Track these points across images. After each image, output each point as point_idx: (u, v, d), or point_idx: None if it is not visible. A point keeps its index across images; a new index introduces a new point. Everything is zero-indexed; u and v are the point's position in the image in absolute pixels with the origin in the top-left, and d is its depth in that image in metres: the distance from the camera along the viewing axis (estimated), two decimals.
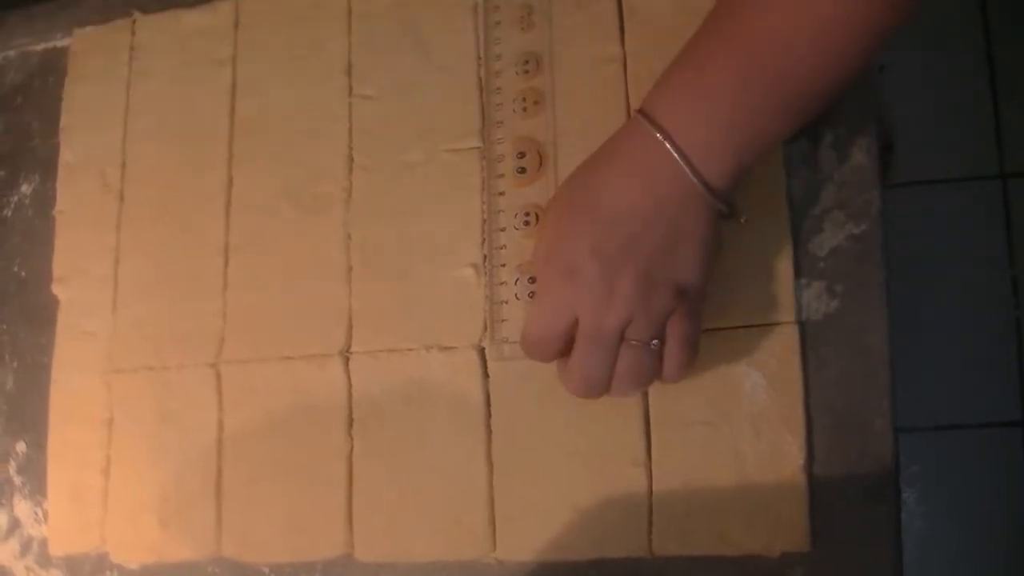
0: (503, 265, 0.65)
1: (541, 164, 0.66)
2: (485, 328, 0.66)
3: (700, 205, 0.53)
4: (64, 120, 0.81)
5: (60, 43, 0.84)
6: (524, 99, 0.68)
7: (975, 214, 1.49)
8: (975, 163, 1.50)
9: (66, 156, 0.80)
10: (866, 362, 0.61)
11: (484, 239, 0.68)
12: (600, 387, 0.56)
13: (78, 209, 0.79)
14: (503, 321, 0.64)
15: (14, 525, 0.76)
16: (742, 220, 0.56)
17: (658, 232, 0.53)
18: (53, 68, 0.84)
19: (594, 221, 0.54)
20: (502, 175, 0.67)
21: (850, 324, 0.61)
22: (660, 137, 0.52)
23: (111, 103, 0.80)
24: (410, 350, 0.68)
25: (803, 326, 0.62)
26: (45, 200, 0.81)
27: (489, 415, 0.66)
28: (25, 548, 0.76)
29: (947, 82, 1.53)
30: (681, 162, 0.52)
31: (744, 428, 0.61)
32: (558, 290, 0.55)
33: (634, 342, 0.55)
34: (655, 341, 0.55)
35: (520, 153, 0.66)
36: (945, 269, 1.46)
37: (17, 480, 0.77)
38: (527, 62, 0.68)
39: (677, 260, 0.54)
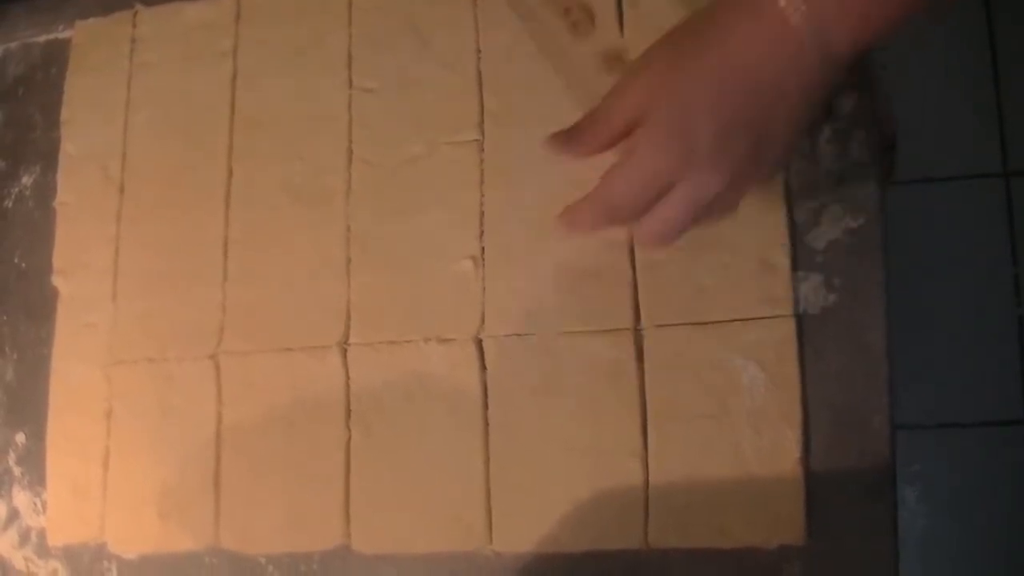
0: None
1: None
2: (483, 321, 0.67)
3: (816, 76, 0.51)
4: (65, 112, 0.81)
5: (62, 35, 0.84)
6: None
7: (978, 212, 1.49)
8: (978, 161, 1.50)
9: (67, 148, 0.80)
10: (864, 357, 0.61)
11: (483, 231, 0.68)
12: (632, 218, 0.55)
13: (79, 201, 0.79)
14: None
15: (13, 515, 0.76)
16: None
17: (772, 99, 0.51)
18: (55, 60, 0.84)
19: (710, 81, 0.52)
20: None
21: (848, 318, 0.62)
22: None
23: (112, 95, 0.80)
24: (408, 342, 0.68)
25: (801, 319, 0.62)
26: (46, 192, 0.81)
27: (487, 407, 0.66)
28: (24, 538, 0.76)
29: (950, 80, 1.53)
30: (809, 30, 0.49)
31: (742, 421, 0.61)
32: (662, 148, 0.52)
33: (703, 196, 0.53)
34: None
35: None
36: (948, 268, 1.46)
37: (16, 471, 0.77)
38: None
39: (780, 129, 0.52)
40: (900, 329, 0.61)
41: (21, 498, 0.76)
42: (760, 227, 0.63)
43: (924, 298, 1.44)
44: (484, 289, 0.67)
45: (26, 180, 0.82)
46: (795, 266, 0.62)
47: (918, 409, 1.43)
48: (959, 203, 1.49)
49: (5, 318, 0.80)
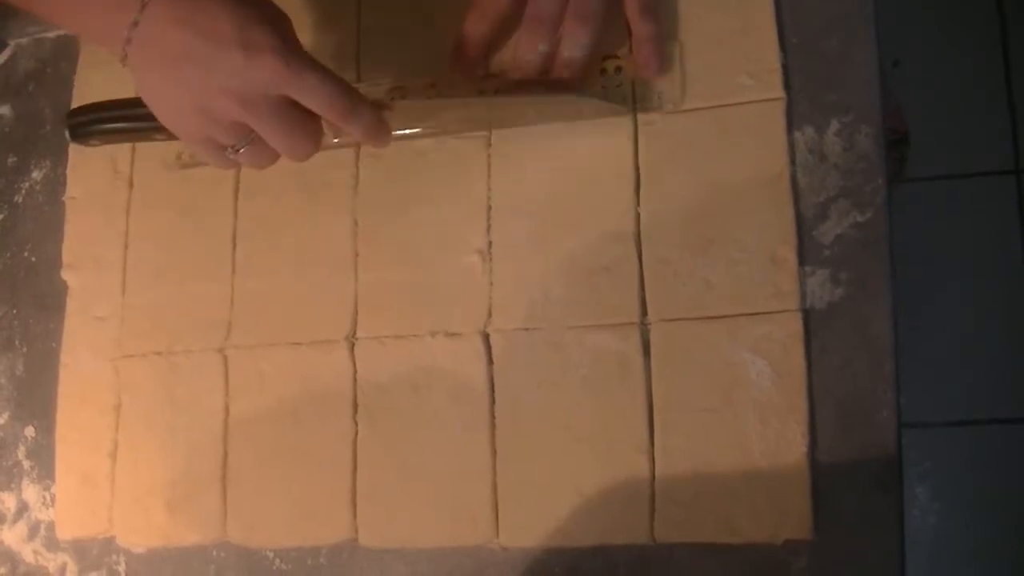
0: None
1: None
2: (490, 315, 0.67)
3: None
4: (75, 106, 0.81)
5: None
6: None
7: (989, 209, 1.48)
8: (990, 158, 1.49)
9: None
10: (871, 351, 0.61)
11: (490, 224, 0.68)
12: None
13: (88, 195, 0.79)
14: None
15: (22, 509, 0.77)
16: None
17: None
18: (65, 55, 0.84)
19: None
20: None
21: (855, 313, 0.61)
22: None
23: (122, 90, 0.79)
24: (415, 336, 0.68)
25: (807, 314, 0.62)
26: (56, 186, 0.81)
27: (493, 401, 0.66)
28: (33, 532, 0.76)
29: (962, 77, 1.52)
30: None
31: (748, 415, 0.61)
32: None
33: None
34: None
35: None
36: (959, 265, 1.45)
37: (26, 464, 0.77)
38: None
39: None
40: (910, 327, 0.61)
41: (30, 491, 0.77)
42: (767, 222, 0.63)
43: (935, 295, 1.43)
44: (491, 283, 0.67)
45: (36, 175, 0.82)
46: (802, 261, 0.62)
47: (929, 406, 1.42)
48: (970, 200, 1.49)
49: (15, 312, 0.81)
